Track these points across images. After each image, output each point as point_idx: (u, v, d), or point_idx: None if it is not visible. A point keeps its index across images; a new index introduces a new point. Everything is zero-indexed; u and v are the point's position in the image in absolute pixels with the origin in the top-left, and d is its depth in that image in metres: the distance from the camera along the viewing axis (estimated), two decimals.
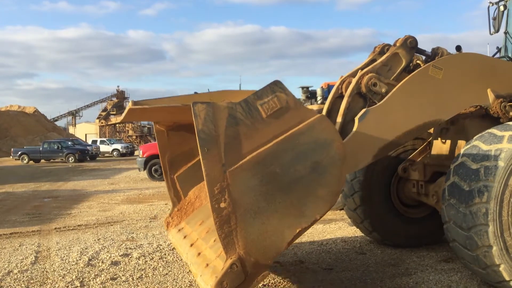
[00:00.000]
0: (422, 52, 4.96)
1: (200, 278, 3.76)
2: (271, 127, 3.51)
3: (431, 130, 5.83)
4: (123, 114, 4.98)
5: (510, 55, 6.65)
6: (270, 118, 3.51)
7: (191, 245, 4.56)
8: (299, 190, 3.54)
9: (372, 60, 4.97)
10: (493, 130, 4.35)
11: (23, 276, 5.47)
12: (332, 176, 3.65)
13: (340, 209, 9.08)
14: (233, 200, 3.32)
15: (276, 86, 3.57)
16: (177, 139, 5.41)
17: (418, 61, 5.00)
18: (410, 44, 4.81)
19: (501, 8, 6.79)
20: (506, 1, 6.79)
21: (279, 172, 3.48)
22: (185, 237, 4.93)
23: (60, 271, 5.65)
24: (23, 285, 5.15)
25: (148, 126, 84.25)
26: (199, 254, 4.22)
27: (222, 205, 3.30)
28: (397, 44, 4.82)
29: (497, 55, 6.83)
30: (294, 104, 3.60)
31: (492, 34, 6.93)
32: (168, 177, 5.58)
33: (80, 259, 6.15)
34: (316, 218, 3.63)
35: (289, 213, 3.50)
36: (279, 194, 3.48)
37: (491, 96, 4.83)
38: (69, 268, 5.75)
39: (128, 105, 4.61)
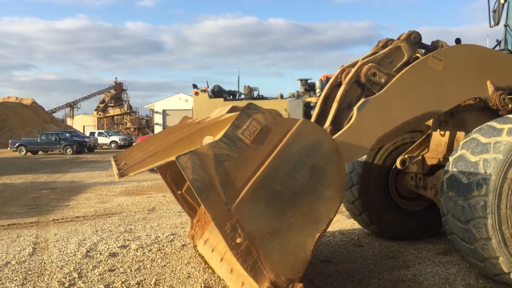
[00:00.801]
0: (425, 47, 4.95)
1: None
2: (259, 150, 3.49)
3: (430, 123, 5.82)
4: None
5: (510, 48, 6.63)
6: (254, 142, 3.49)
7: (221, 259, 4.60)
8: (306, 198, 3.53)
9: (374, 53, 4.95)
10: (492, 123, 4.34)
11: (21, 268, 5.46)
12: (332, 174, 3.63)
13: None
14: (247, 232, 3.33)
15: (250, 110, 3.57)
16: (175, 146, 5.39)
17: (417, 54, 4.98)
18: (414, 39, 4.79)
19: (501, 0, 6.75)
20: None
21: (280, 189, 3.47)
22: (213, 250, 4.95)
23: (58, 262, 5.65)
24: (21, 276, 5.14)
25: (146, 118, 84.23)
26: (231, 270, 4.26)
27: (238, 240, 3.31)
28: (401, 38, 4.81)
29: (497, 48, 6.81)
30: (273, 120, 3.59)
31: (492, 27, 6.90)
32: (176, 194, 5.58)
33: (78, 251, 6.15)
34: (331, 218, 3.62)
35: (304, 223, 3.50)
36: (288, 209, 3.47)
37: (490, 88, 4.82)
38: (67, 260, 5.74)
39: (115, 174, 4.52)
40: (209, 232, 5.31)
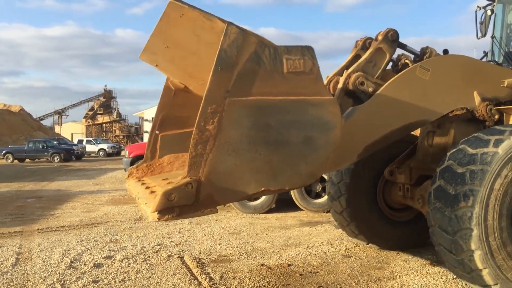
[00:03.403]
0: (403, 46, 4.94)
1: (144, 205, 3.61)
2: (285, 84, 3.52)
3: (418, 133, 5.82)
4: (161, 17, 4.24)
5: (496, 59, 6.67)
6: (289, 75, 3.52)
7: (146, 187, 4.34)
8: (282, 154, 3.51)
9: (356, 56, 4.94)
10: (480, 134, 4.34)
11: (3, 279, 5.34)
12: (318, 158, 3.64)
13: (327, 212, 9.07)
14: (220, 127, 3.29)
15: (307, 51, 3.60)
16: (180, 103, 5.25)
17: (406, 61, 4.97)
18: (392, 37, 4.78)
19: (488, 12, 6.80)
20: (493, 6, 6.81)
21: (274, 126, 3.47)
22: (142, 183, 4.76)
23: (41, 273, 5.54)
24: (2, 287, 5.03)
25: (135, 126, 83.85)
26: (151, 192, 4.02)
27: (208, 127, 3.27)
28: (379, 38, 4.78)
29: (484, 59, 6.85)
30: (316, 75, 3.63)
31: (479, 39, 6.95)
32: (153, 132, 5.41)
33: (62, 261, 6.04)
34: (284, 188, 3.61)
35: (263, 169, 3.46)
36: (263, 147, 3.44)
37: (477, 98, 4.84)
38: (50, 270, 5.64)
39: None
40: (149, 178, 5.11)
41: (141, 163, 5.29)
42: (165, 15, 4.17)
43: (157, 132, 5.30)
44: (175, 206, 3.23)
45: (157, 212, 3.21)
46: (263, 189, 3.50)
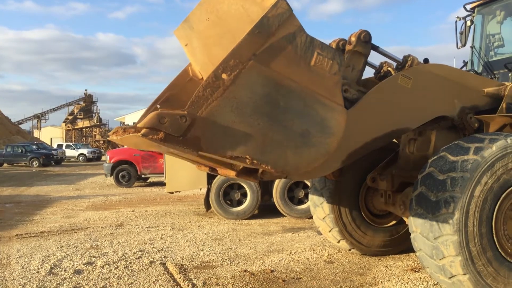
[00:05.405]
0: (376, 48, 4.99)
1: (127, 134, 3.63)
2: (307, 75, 3.63)
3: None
4: None
5: (476, 69, 6.81)
6: (314, 68, 3.65)
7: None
8: (278, 135, 3.58)
9: None
10: (460, 142, 4.43)
11: None
12: (307, 155, 3.70)
13: (309, 218, 9.10)
14: (234, 81, 3.35)
15: (338, 56, 3.75)
16: (190, 91, 5.15)
17: (389, 68, 5.03)
18: (364, 39, 4.82)
19: (468, 23, 6.96)
20: (473, 17, 6.97)
21: (281, 106, 3.55)
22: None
23: (20, 279, 5.45)
24: None
25: None
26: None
27: (224, 76, 3.33)
28: (353, 40, 4.81)
29: (464, 69, 6.99)
30: (337, 81, 3.78)
31: (459, 48, 7.10)
32: (154, 105, 5.36)
33: (41, 267, 5.95)
34: (266, 166, 3.62)
35: (256, 139, 3.51)
36: (265, 120, 3.50)
37: (457, 107, 4.93)
38: (29, 277, 5.55)
39: None
40: None
41: (130, 127, 5.24)
42: None
43: (158, 106, 5.29)
44: (163, 130, 3.24)
45: (145, 128, 3.24)
46: (247, 156, 3.50)
